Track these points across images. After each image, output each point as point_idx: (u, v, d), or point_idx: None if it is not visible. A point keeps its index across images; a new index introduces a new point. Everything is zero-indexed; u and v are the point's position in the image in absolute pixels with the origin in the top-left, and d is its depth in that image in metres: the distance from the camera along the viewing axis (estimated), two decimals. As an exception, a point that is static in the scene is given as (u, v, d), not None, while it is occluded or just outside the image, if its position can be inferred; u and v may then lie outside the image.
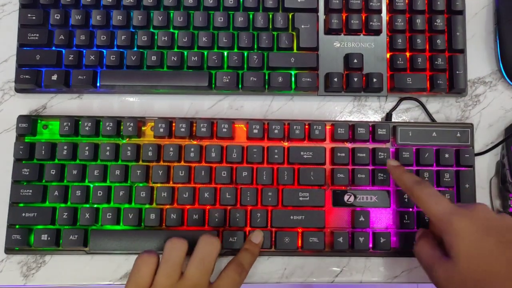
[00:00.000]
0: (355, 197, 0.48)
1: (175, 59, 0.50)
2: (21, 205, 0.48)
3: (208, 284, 0.42)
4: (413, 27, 0.51)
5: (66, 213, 0.47)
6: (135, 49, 0.51)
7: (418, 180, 0.43)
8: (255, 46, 0.51)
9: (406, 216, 0.48)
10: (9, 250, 0.47)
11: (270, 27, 0.51)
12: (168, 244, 0.42)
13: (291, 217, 0.48)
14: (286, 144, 0.49)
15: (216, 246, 0.43)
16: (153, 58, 0.50)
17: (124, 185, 0.48)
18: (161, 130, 0.48)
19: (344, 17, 0.52)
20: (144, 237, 0.47)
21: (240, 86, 0.51)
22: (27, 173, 0.47)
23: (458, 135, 0.49)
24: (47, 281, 0.49)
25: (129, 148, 0.48)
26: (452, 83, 0.51)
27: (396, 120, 0.52)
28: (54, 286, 0.49)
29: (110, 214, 0.47)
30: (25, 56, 0.50)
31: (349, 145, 0.49)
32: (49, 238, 0.47)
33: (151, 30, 0.51)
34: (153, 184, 0.48)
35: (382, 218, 0.48)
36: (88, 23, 0.51)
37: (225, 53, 0.51)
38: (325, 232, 0.48)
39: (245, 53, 0.51)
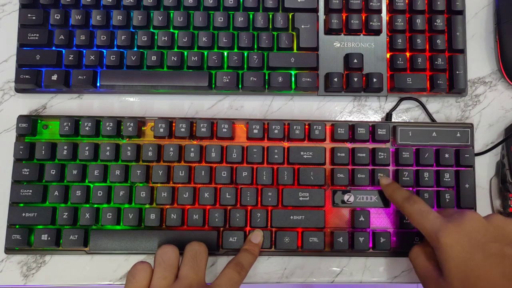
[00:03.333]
0: (355, 197, 0.48)
1: (175, 59, 0.50)
2: (21, 205, 0.47)
3: (203, 283, 0.42)
4: (413, 27, 0.51)
5: (66, 213, 0.47)
6: (135, 49, 0.51)
7: (407, 197, 0.44)
8: (255, 46, 0.51)
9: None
10: (9, 250, 0.47)
11: (270, 27, 0.51)
12: (159, 251, 0.43)
13: (291, 217, 0.48)
14: (286, 144, 0.49)
15: (204, 246, 0.44)
16: (153, 58, 0.50)
17: (124, 185, 0.48)
18: (161, 130, 0.48)
19: (344, 17, 0.52)
20: (144, 237, 0.47)
21: (240, 86, 0.51)
22: (27, 173, 0.47)
23: (458, 135, 0.49)
24: (47, 281, 0.49)
25: (129, 148, 0.48)
26: (452, 83, 0.51)
27: (396, 120, 0.52)
28: (54, 286, 0.49)
29: (110, 214, 0.47)
30: (25, 56, 0.50)
31: (349, 145, 0.49)
32: (49, 238, 0.47)
33: (151, 30, 0.51)
34: (153, 184, 0.48)
35: (382, 218, 0.48)
36: (88, 23, 0.51)
37: (225, 53, 0.51)
38: (325, 232, 0.48)
39: (245, 53, 0.51)
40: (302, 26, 0.51)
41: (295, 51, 0.51)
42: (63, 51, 0.50)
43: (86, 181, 0.48)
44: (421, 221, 0.41)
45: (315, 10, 0.52)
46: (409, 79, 0.51)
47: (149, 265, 0.42)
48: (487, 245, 0.38)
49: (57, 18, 0.50)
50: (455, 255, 0.38)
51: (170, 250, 0.42)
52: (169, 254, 0.42)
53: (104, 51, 0.50)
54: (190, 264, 0.42)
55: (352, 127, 0.49)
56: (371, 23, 0.51)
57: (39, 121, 0.49)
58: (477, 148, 0.52)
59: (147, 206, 0.48)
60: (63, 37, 0.50)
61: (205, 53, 0.51)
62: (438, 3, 0.51)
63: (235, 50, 0.51)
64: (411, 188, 0.49)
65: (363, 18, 0.52)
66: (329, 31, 0.52)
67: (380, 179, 0.48)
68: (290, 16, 0.51)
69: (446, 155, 0.49)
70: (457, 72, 0.51)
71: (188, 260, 0.42)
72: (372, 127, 0.49)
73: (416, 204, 0.43)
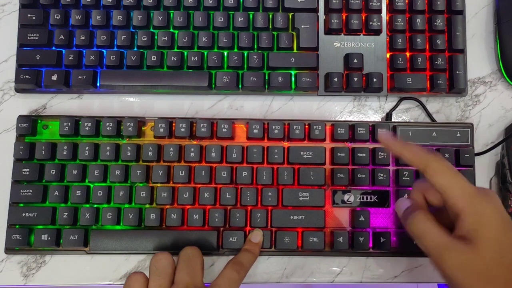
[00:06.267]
0: (355, 197, 0.48)
1: (175, 59, 0.50)
2: (21, 205, 0.47)
3: (201, 285, 0.42)
4: (413, 27, 0.51)
5: (66, 213, 0.47)
6: (135, 49, 0.51)
7: (429, 152, 0.38)
8: (255, 46, 0.51)
9: (406, 216, 0.48)
10: (9, 250, 0.47)
11: (270, 27, 0.51)
12: (152, 260, 0.43)
13: (291, 217, 0.48)
14: (286, 144, 0.49)
15: (197, 250, 0.44)
16: (153, 58, 0.50)
17: (124, 185, 0.48)
18: (161, 130, 0.48)
19: (344, 17, 0.52)
20: (144, 237, 0.47)
21: (240, 86, 0.51)
22: (27, 173, 0.47)
23: (458, 135, 0.49)
24: (47, 281, 0.49)
25: (129, 148, 0.48)
26: (452, 83, 0.51)
27: (396, 120, 0.52)
28: (54, 286, 0.49)
29: (111, 214, 0.47)
30: (25, 56, 0.50)
31: (349, 145, 0.49)
32: (49, 238, 0.47)
33: (151, 30, 0.51)
34: (153, 184, 0.48)
35: (382, 218, 0.48)
36: (88, 23, 0.51)
37: (225, 53, 0.51)
38: (325, 232, 0.48)
39: (245, 53, 0.51)
40: (302, 26, 0.51)
41: (295, 51, 0.51)
42: (63, 51, 0.50)
43: (86, 181, 0.48)
44: (451, 181, 0.36)
45: (315, 10, 0.52)
46: (409, 79, 0.51)
47: (143, 275, 0.42)
48: None
49: (57, 18, 0.50)
50: (495, 224, 0.35)
51: (163, 258, 0.42)
52: (162, 261, 0.42)
53: (104, 51, 0.50)
54: (185, 270, 0.42)
55: (352, 127, 0.49)
56: (371, 23, 0.51)
57: (39, 121, 0.49)
58: (477, 148, 0.52)
59: (147, 206, 0.48)
60: (63, 37, 0.50)
61: (205, 53, 0.51)
62: (438, 3, 0.51)
63: (235, 50, 0.51)
64: (411, 188, 0.48)
65: (363, 18, 0.52)
66: (329, 31, 0.52)
67: (379, 134, 0.42)
68: (290, 16, 0.51)
69: (446, 155, 0.49)
70: (457, 72, 0.51)
71: (182, 266, 0.42)
72: (372, 127, 0.49)
73: (443, 161, 0.38)
